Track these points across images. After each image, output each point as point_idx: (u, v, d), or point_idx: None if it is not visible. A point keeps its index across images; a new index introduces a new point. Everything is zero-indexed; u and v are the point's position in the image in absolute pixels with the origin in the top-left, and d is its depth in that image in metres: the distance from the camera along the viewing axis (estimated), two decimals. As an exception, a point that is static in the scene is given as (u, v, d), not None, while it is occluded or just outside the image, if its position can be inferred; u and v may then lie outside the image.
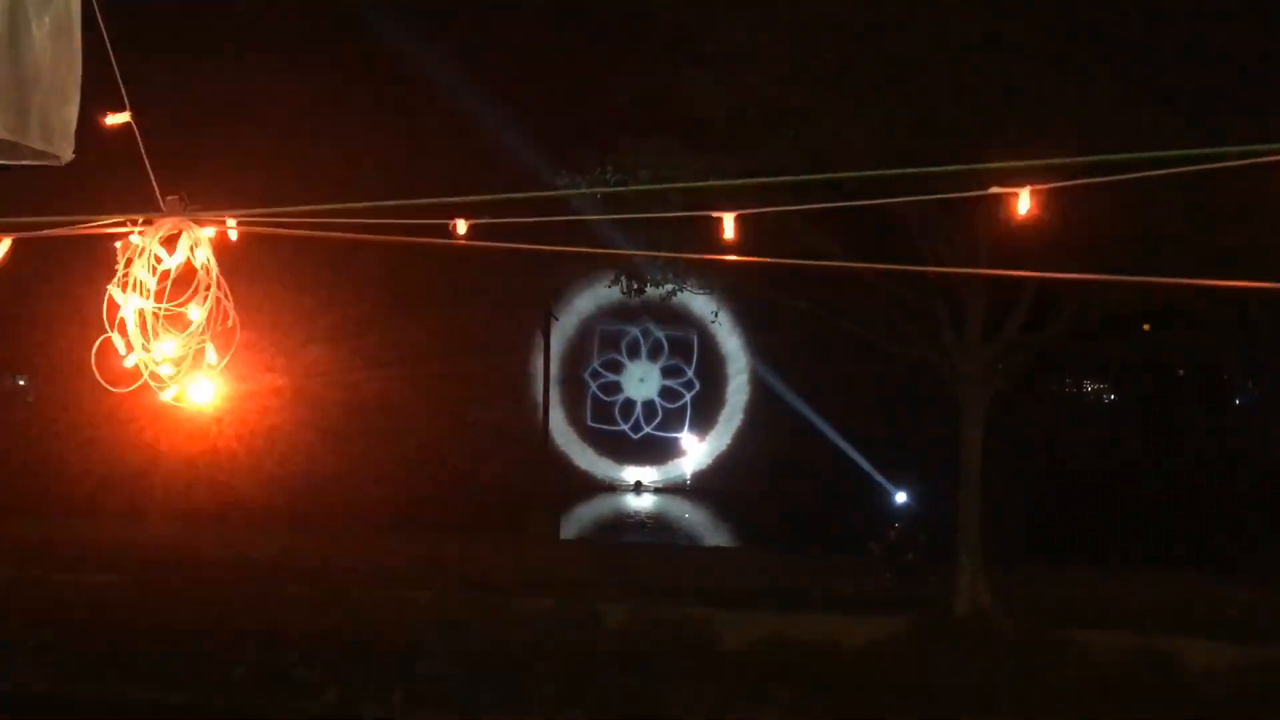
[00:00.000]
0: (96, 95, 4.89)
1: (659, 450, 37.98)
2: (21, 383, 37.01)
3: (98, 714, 18.72)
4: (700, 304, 32.83)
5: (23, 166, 4.82)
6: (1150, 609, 19.09)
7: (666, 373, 38.14)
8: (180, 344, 4.64)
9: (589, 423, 38.20)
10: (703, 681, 18.22)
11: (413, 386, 32.24)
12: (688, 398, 38.05)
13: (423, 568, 21.90)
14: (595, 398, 38.39)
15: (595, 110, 22.32)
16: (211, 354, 4.74)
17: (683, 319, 36.08)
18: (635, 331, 38.09)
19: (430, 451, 32.54)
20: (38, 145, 4.74)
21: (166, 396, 4.70)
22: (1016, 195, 3.65)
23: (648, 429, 38.09)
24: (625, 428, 38.16)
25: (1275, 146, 3.99)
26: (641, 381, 38.18)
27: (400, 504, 27.92)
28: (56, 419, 29.15)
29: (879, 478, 32.12)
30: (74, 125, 4.79)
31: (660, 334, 37.94)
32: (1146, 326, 23.63)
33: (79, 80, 4.82)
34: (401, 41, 28.73)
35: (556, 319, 36.15)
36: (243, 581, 21.03)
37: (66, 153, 4.80)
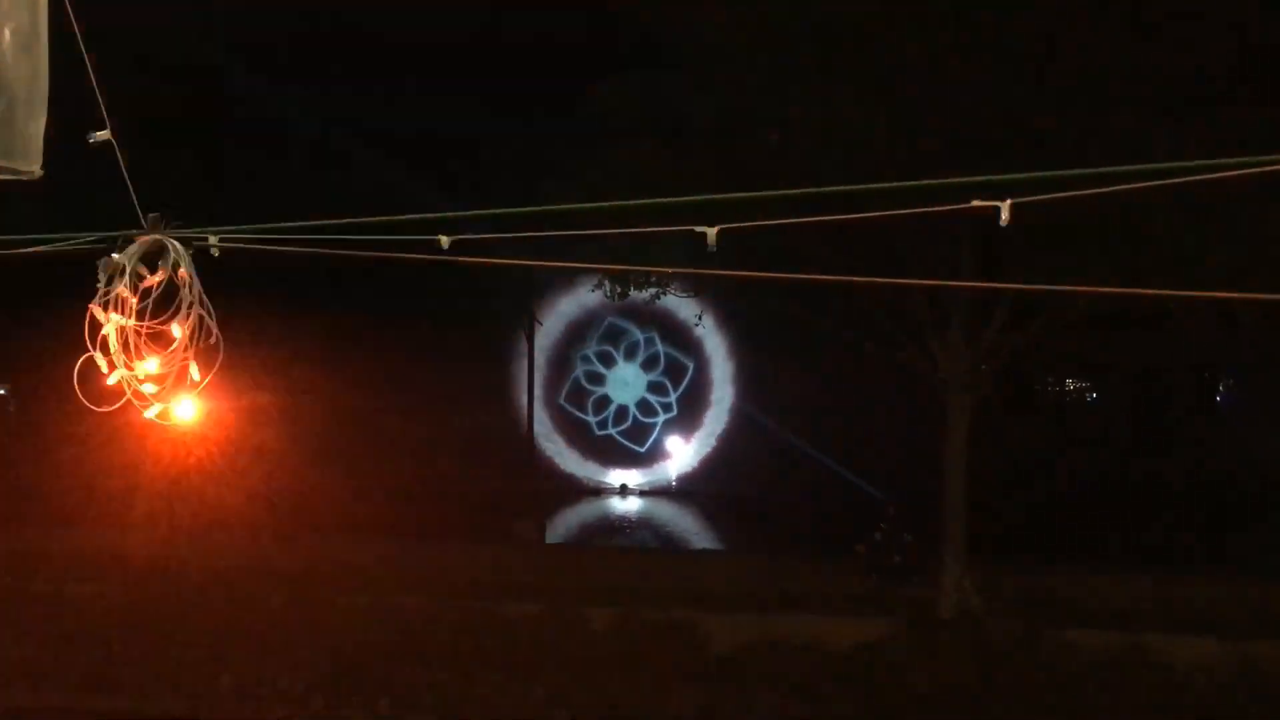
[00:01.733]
0: (78, 111, 4.85)
1: (642, 453, 37.97)
2: (2, 392, 36.84)
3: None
4: (685, 307, 32.88)
5: None
6: (1137, 607, 19.18)
7: (652, 387, 38.15)
8: (163, 362, 4.63)
9: (642, 450, 38.16)
10: (690, 684, 18.24)
11: (397, 394, 32.23)
12: (660, 419, 38.04)
13: (409, 574, 21.84)
14: (624, 433, 38.39)
15: (574, 117, 22.32)
16: (194, 371, 4.73)
17: (687, 343, 36.31)
18: (640, 337, 38.07)
19: (415, 459, 32.49)
20: (2, 161, 4.69)
21: (150, 414, 4.70)
22: (996, 209, 3.66)
23: (613, 430, 38.10)
24: (593, 420, 38.15)
25: (1259, 159, 4.01)
26: (626, 385, 38.15)
27: (385, 512, 27.83)
28: (38, 427, 29.00)
29: (864, 480, 32.17)
30: (40, 140, 4.74)
31: (661, 349, 37.92)
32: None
33: (45, 94, 4.76)
34: (377, 48, 28.73)
35: (540, 324, 36.13)
36: (228, 591, 20.93)
37: (34, 169, 4.75)
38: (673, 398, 37.84)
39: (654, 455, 37.94)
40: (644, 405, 38.12)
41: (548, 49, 27.14)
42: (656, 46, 18.07)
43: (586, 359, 38.12)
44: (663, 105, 17.66)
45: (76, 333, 4.83)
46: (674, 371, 37.87)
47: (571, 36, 25.73)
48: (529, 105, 27.61)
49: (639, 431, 38.09)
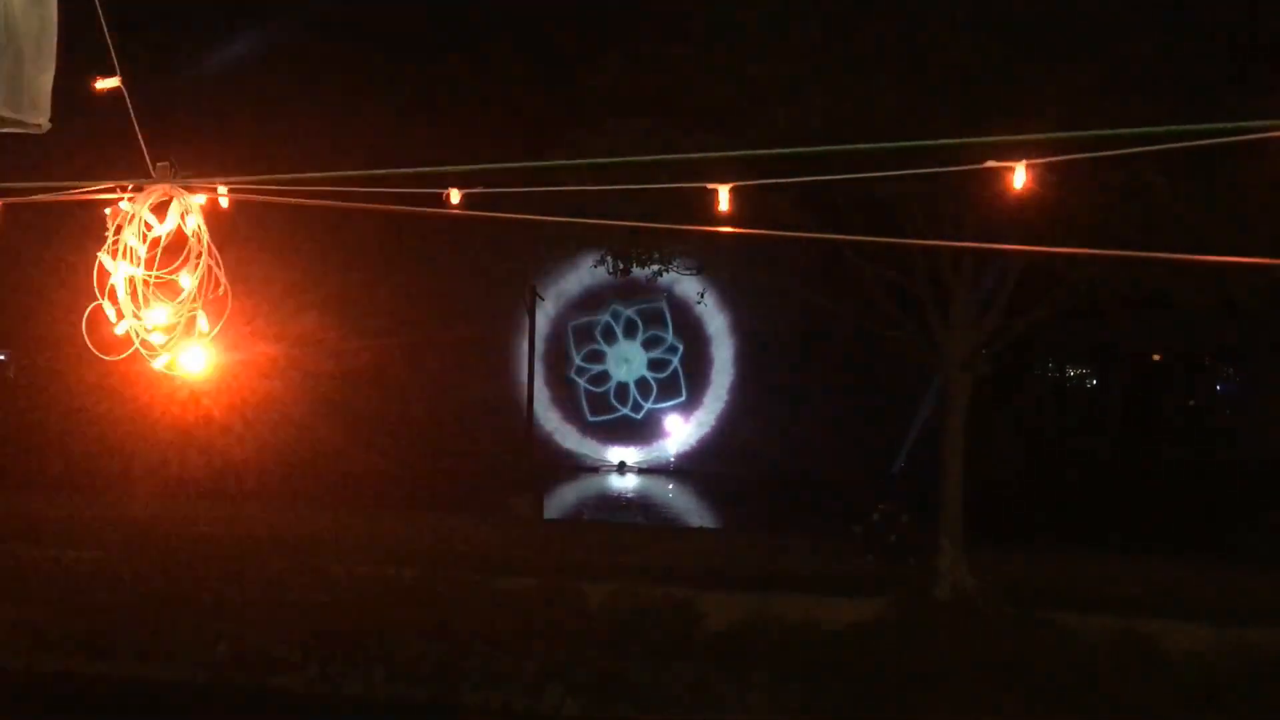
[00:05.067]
0: (86, 60, 4.82)
1: (644, 431, 37.95)
2: (2, 357, 36.74)
3: (78, 692, 18.70)
4: (685, 285, 32.84)
5: (1, 135, 4.73)
6: (1131, 592, 19.21)
7: (640, 385, 38.13)
8: (171, 312, 4.62)
9: (589, 418, 38.13)
10: (684, 661, 18.29)
11: (400, 362, 32.23)
12: (621, 412, 37.99)
13: (407, 545, 21.89)
14: (588, 393, 38.32)
15: (581, 88, 22.22)
16: (203, 322, 4.72)
17: (648, 291, 35.76)
18: (605, 318, 38.04)
19: (416, 431, 32.53)
20: (7, 113, 4.65)
21: (158, 364, 4.69)
22: (1012, 170, 3.64)
23: (582, 381, 38.15)
24: (626, 411, 38.12)
25: (1257, 124, 4.01)
26: (627, 362, 38.14)
27: (386, 482, 27.90)
28: (39, 392, 29.02)
29: (862, 460, 32.17)
30: (49, 94, 4.70)
31: (677, 365, 37.86)
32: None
33: (54, 47, 4.72)
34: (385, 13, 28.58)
35: (542, 298, 36.01)
36: (227, 557, 20.98)
37: (43, 122, 4.71)
38: (646, 406, 37.86)
39: (664, 427, 37.85)
40: (621, 390, 38.12)
41: (551, 19, 27.02)
42: (664, 17, 17.99)
43: (617, 314, 37.99)
44: (670, 78, 17.57)
45: (76, 299, 4.82)
46: (669, 385, 37.85)
47: (577, 5, 25.62)
48: (533, 76, 27.46)
49: (600, 402, 38.09)
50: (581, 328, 38.24)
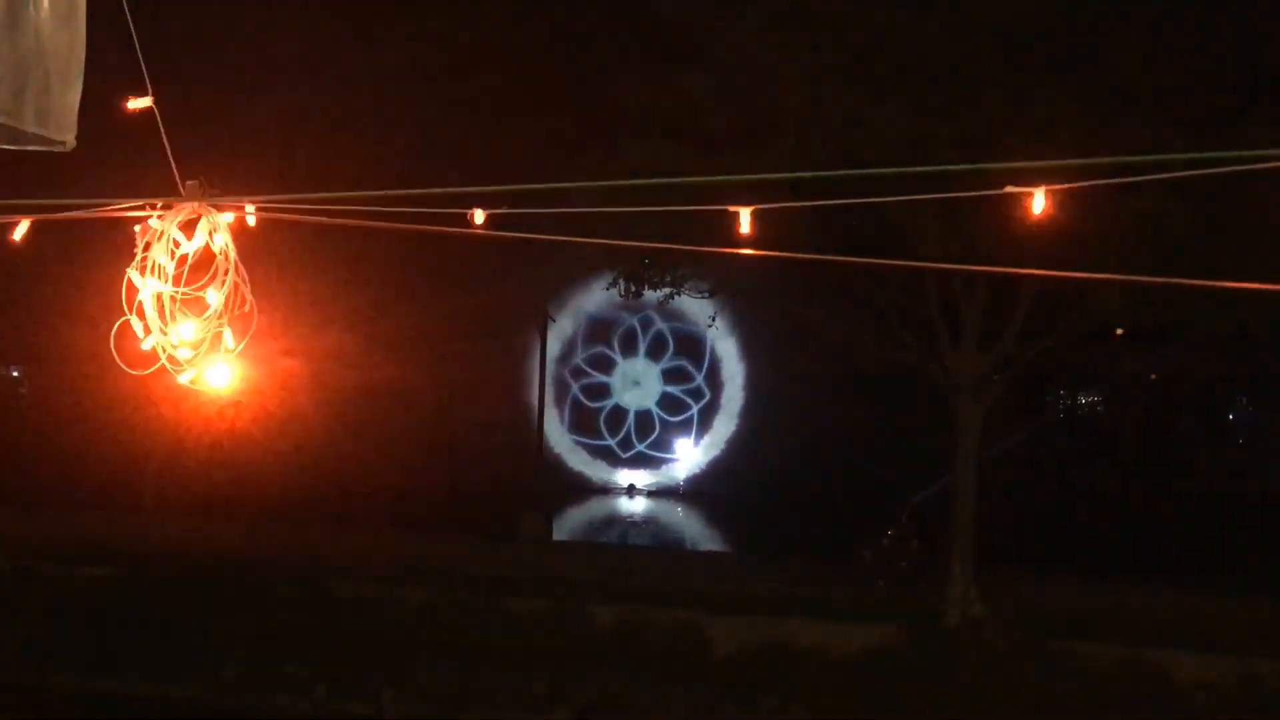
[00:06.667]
0: (119, 78, 4.88)
1: (652, 457, 37.79)
2: (16, 374, 36.87)
3: (89, 708, 18.72)
4: (698, 308, 32.79)
5: (26, 152, 4.78)
6: (1141, 621, 19.12)
7: (669, 376, 36.92)
8: (198, 328, 4.68)
9: (567, 432, 36.12)
10: (692, 685, 18.25)
11: (415, 380, 32.28)
12: (604, 441, 35.88)
13: (416, 566, 21.88)
14: (575, 401, 36.37)
15: (597, 115, 22.34)
16: (229, 338, 4.78)
17: (692, 315, 34.00)
18: (633, 320, 35.99)
19: (429, 451, 32.54)
20: (33, 130, 4.70)
21: (184, 379, 4.75)
22: (1031, 195, 3.68)
23: (639, 447, 36.69)
24: (611, 442, 36.50)
25: (1275, 152, 4.04)
26: (637, 385, 37.55)
27: (399, 499, 27.93)
28: (56, 408, 29.10)
29: (872, 486, 32.09)
30: (75, 111, 4.75)
31: (665, 326, 35.64)
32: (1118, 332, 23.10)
33: (82, 65, 4.77)
34: (402, 36, 28.67)
35: (554, 320, 36.03)
36: (237, 577, 20.99)
37: (69, 139, 4.77)
38: (638, 448, 36.72)
39: (673, 450, 37.26)
40: (617, 412, 37.26)
41: (567, 43, 27.11)
42: (680, 44, 18.09)
43: (649, 319, 36.11)
44: (686, 104, 17.64)
45: (102, 314, 4.87)
46: (690, 348, 37.24)
47: (593, 30, 25.72)
48: (548, 100, 27.57)
49: (585, 416, 36.75)
50: (600, 322, 36.07)
